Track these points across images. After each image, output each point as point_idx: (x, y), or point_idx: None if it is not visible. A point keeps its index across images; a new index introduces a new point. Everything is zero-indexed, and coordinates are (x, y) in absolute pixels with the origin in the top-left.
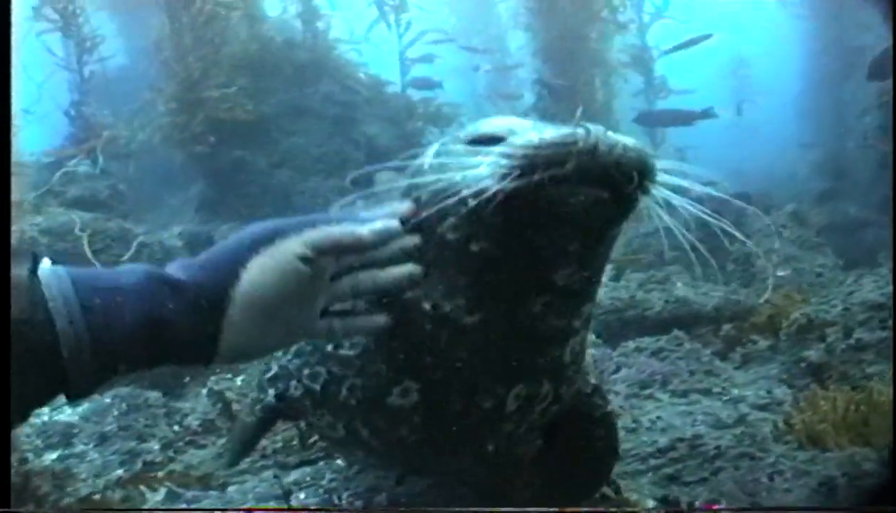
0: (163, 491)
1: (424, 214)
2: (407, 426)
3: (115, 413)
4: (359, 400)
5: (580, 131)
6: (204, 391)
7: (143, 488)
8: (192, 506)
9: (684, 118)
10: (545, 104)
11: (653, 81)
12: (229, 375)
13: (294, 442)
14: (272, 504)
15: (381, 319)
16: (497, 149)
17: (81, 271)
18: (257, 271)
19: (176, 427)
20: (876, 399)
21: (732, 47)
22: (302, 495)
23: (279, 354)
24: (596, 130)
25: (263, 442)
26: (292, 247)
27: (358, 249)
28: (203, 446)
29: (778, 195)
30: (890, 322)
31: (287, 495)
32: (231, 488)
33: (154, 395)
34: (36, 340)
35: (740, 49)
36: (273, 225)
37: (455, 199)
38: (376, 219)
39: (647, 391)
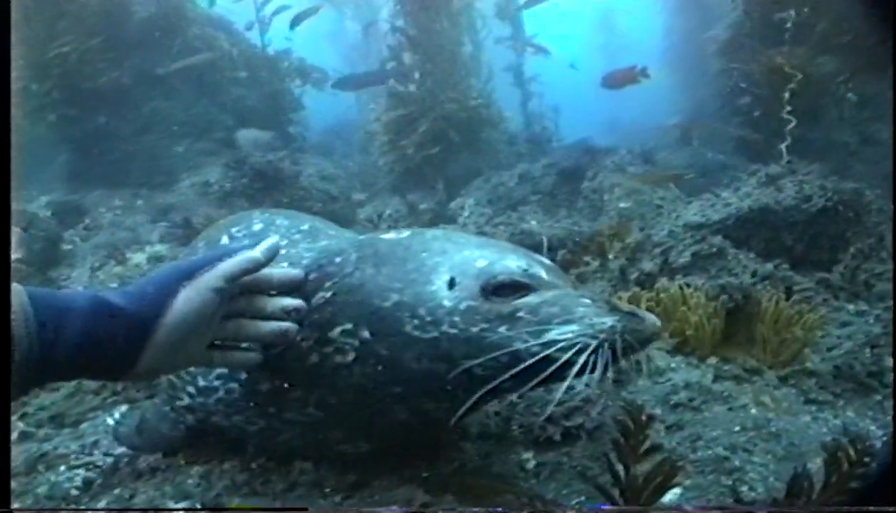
0: (15, 432)
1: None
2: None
3: None
4: (303, 444)
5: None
6: None
7: None
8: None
9: (378, 78)
10: (400, 54)
11: (520, 34)
12: None
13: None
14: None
15: (254, 356)
16: (577, 328)
17: (39, 291)
18: (182, 301)
19: None
20: (662, 297)
21: (600, 2)
22: None
23: (191, 390)
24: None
25: None
26: (209, 280)
27: (256, 269)
28: (55, 389)
29: (640, 142)
30: (707, 241)
31: None
32: (84, 425)
33: None
34: None
35: (607, 4)
36: (195, 261)
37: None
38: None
39: None
